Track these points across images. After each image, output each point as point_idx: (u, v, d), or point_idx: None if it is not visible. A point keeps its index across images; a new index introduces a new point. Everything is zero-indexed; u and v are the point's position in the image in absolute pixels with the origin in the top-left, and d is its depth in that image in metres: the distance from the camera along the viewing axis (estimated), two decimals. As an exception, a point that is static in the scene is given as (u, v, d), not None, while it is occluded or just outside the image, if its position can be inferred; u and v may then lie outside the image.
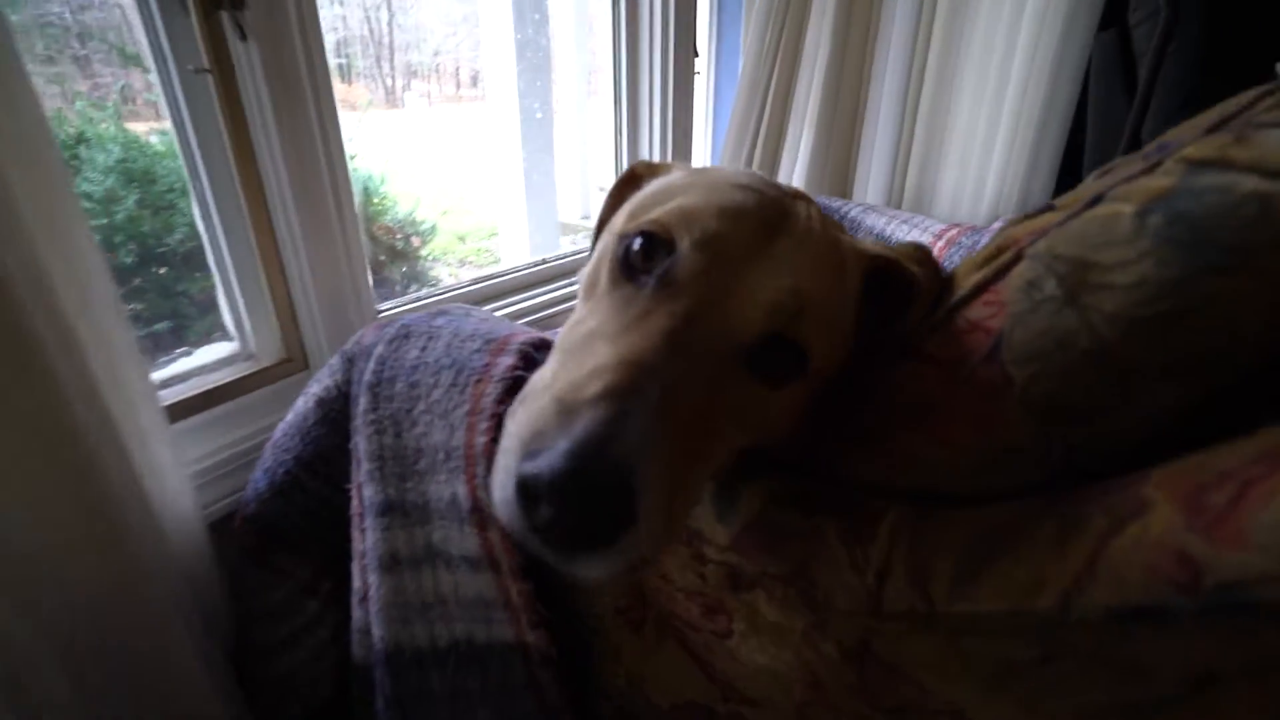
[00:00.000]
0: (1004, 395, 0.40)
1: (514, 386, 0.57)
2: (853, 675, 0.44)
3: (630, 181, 0.60)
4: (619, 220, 0.52)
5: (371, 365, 0.63)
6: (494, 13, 1.39)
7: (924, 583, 0.40)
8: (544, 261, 1.36)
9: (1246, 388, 0.37)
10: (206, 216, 0.85)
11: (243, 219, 0.86)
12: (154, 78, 0.78)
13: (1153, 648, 0.34)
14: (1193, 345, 0.35)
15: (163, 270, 1.26)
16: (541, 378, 0.45)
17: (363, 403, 0.63)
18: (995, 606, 0.38)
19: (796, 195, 0.52)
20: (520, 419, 0.39)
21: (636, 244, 0.46)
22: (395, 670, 0.65)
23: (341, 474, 0.72)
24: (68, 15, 1.00)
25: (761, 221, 0.46)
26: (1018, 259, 0.42)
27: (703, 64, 1.62)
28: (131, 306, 1.08)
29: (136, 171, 1.44)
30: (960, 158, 1.58)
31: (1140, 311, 0.36)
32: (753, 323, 0.43)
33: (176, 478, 0.71)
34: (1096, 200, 0.40)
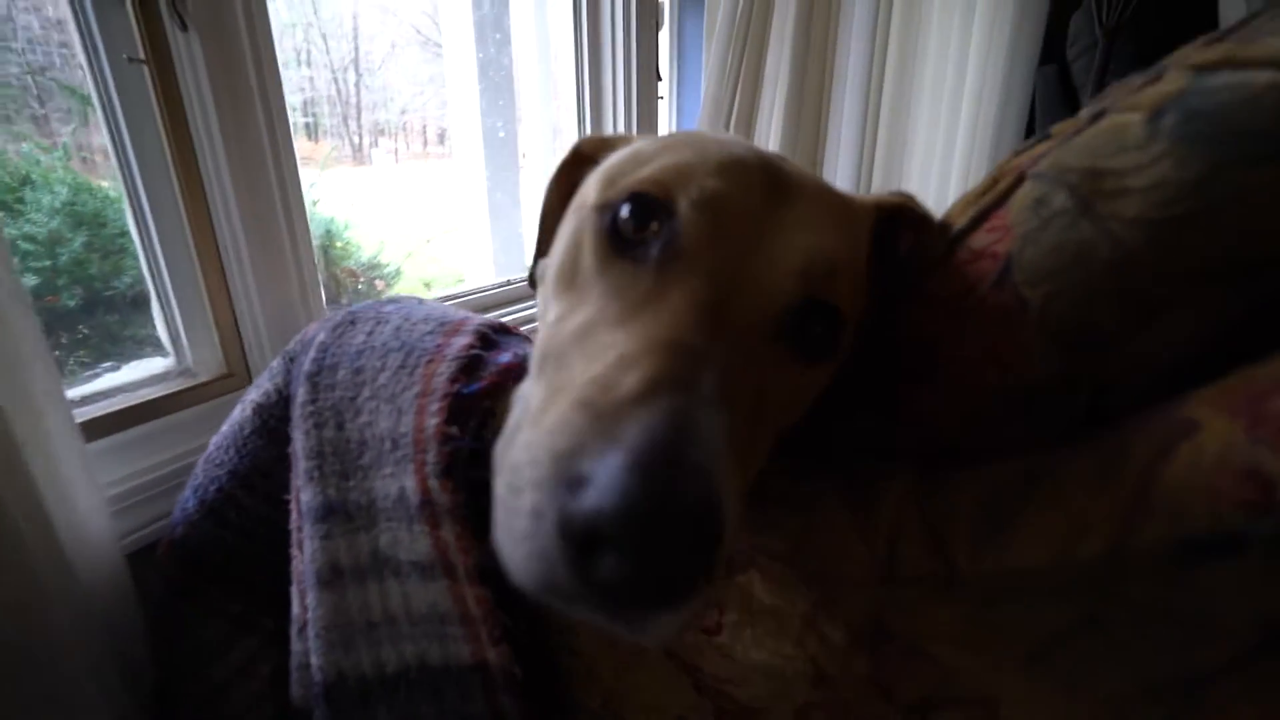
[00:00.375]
0: (1019, 321, 0.36)
1: (469, 366, 0.52)
2: (865, 662, 0.38)
3: (576, 164, 0.51)
4: (589, 195, 0.44)
5: (312, 354, 0.57)
6: (459, 66, 1.39)
7: (943, 542, 0.35)
8: (509, 283, 1.32)
9: None
10: (140, 219, 0.79)
11: (180, 221, 0.80)
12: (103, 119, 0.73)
13: (1219, 592, 0.29)
14: (1223, 247, 0.32)
15: (111, 316, 1.20)
16: (527, 402, 0.37)
17: (301, 394, 0.56)
18: (1029, 561, 0.32)
19: (778, 157, 0.47)
20: (537, 439, 0.29)
21: (625, 211, 0.39)
22: (336, 705, 0.56)
23: (283, 489, 0.65)
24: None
25: (764, 177, 0.40)
26: (1019, 182, 0.38)
27: (665, 88, 1.63)
28: (77, 354, 1.01)
29: (86, 214, 1.38)
30: (919, 180, 1.61)
31: (1164, 213, 0.32)
32: (784, 288, 0.37)
33: (89, 503, 0.63)
34: (1099, 115, 0.37)
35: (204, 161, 0.78)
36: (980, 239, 0.39)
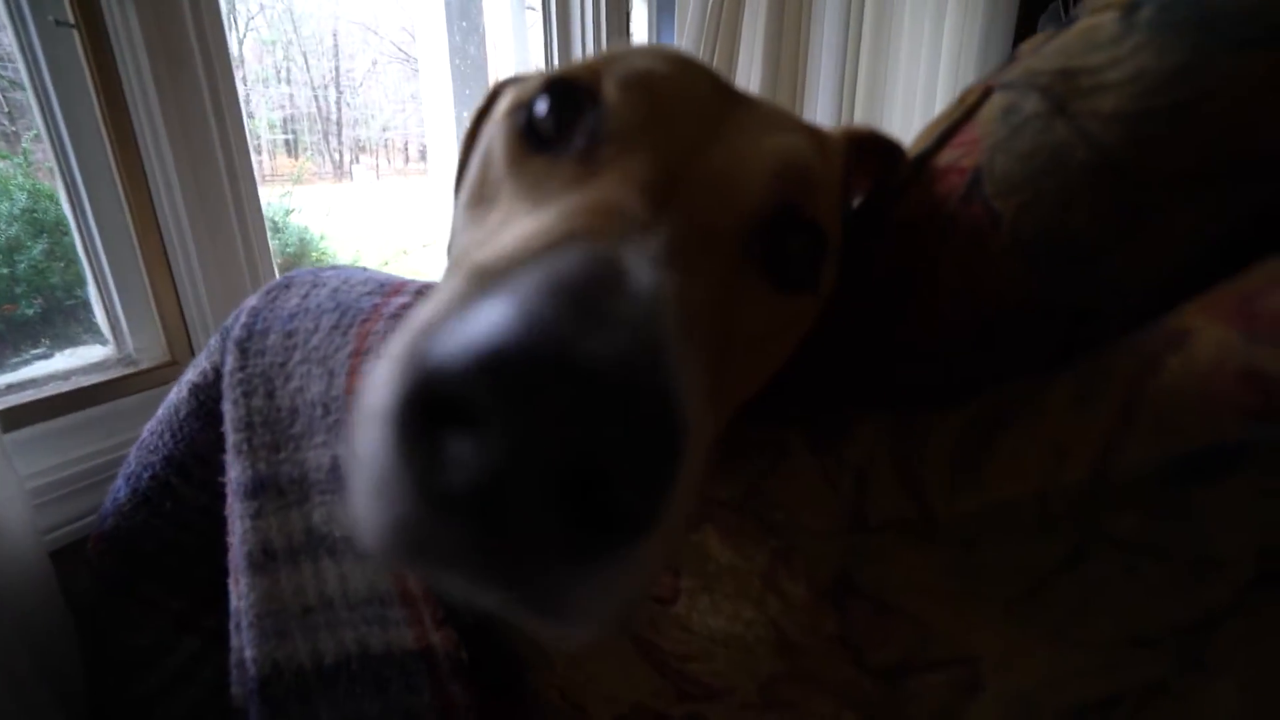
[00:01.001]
0: (991, 237, 0.32)
1: (410, 325, 0.48)
2: (832, 621, 0.34)
3: (495, 105, 0.43)
4: (500, 108, 0.36)
5: (243, 319, 0.53)
6: (436, 82, 1.37)
7: (916, 481, 0.31)
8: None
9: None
10: (74, 199, 0.75)
11: (118, 200, 0.76)
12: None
13: (1214, 518, 0.26)
14: (1210, 143, 0.29)
15: (72, 326, 1.16)
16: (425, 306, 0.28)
17: (230, 362, 0.52)
18: (1008, 493, 0.29)
19: None
20: (398, 339, 0.19)
21: (542, 106, 0.31)
22: (272, 701, 0.51)
23: (221, 474, 0.60)
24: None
25: (715, 79, 0.34)
26: (986, 95, 0.36)
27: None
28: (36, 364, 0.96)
29: (47, 222, 1.34)
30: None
31: (1144, 104, 0.29)
32: (754, 186, 0.30)
33: (6, 491, 0.58)
34: (1069, 23, 0.35)
35: (142, 135, 0.74)
36: (946, 156, 0.36)
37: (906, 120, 1.76)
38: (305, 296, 0.52)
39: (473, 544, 0.15)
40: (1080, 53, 0.32)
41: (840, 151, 0.39)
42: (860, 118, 1.73)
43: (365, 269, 0.60)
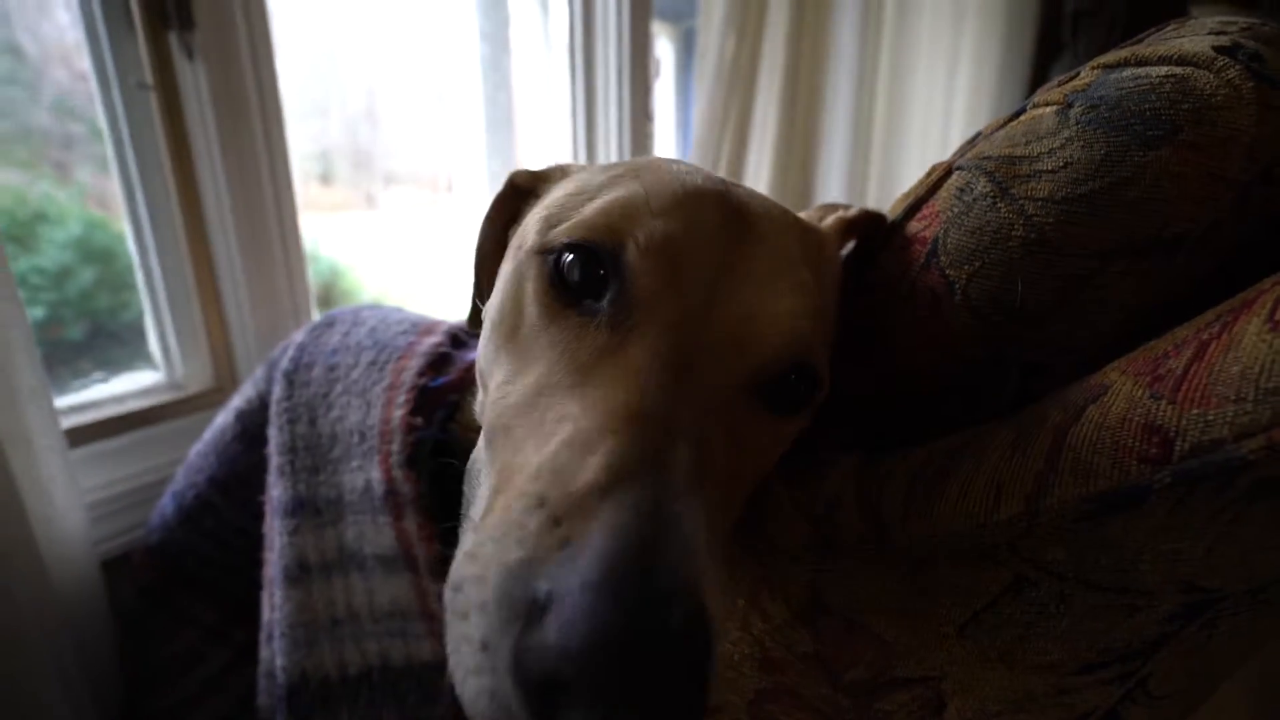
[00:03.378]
0: (946, 301, 0.37)
1: (438, 362, 0.53)
2: (808, 639, 0.38)
3: (511, 198, 0.47)
4: (528, 236, 0.39)
5: (290, 353, 0.59)
6: (466, 116, 1.47)
7: (874, 508, 0.35)
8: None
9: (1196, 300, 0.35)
10: (139, 237, 0.83)
11: (177, 240, 0.84)
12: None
13: (1131, 548, 0.30)
14: (1128, 225, 0.34)
15: (113, 348, 1.24)
16: (483, 475, 0.34)
17: (277, 391, 0.58)
18: (954, 524, 0.33)
19: (733, 183, 0.41)
20: (481, 547, 0.25)
21: (567, 259, 0.34)
22: (297, 708, 0.56)
23: (258, 497, 0.66)
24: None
25: (722, 210, 0.36)
26: (948, 174, 0.41)
27: (669, 133, 1.69)
28: (69, 366, 1.04)
29: (97, 250, 1.44)
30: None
31: (1071, 191, 0.34)
32: (765, 351, 0.34)
33: (67, 500, 0.64)
34: (1019, 112, 0.40)
35: (204, 184, 0.82)
36: (913, 226, 0.41)
37: (922, 168, 1.82)
38: (346, 334, 0.58)
39: None
40: (1023, 141, 0.37)
41: (836, 244, 0.44)
42: (876, 162, 1.78)
43: (400, 309, 0.66)
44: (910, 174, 1.81)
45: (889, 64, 1.78)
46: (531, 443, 0.29)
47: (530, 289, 0.36)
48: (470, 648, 0.23)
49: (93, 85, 0.76)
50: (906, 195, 0.45)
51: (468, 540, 0.26)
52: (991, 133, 0.40)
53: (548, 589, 0.21)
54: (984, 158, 0.38)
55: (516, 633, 0.21)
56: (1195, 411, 0.27)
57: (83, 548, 0.65)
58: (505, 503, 0.26)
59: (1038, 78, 1.96)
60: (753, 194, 0.41)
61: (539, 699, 0.20)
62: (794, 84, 1.58)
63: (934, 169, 0.43)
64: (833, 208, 0.47)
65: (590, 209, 0.36)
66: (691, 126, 1.77)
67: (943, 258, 0.38)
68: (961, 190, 0.38)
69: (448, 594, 0.25)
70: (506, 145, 1.41)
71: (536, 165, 0.47)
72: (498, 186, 0.46)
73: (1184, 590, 0.31)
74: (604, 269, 0.34)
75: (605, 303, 0.33)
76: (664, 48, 2.00)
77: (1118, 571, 0.31)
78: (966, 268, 0.37)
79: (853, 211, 0.46)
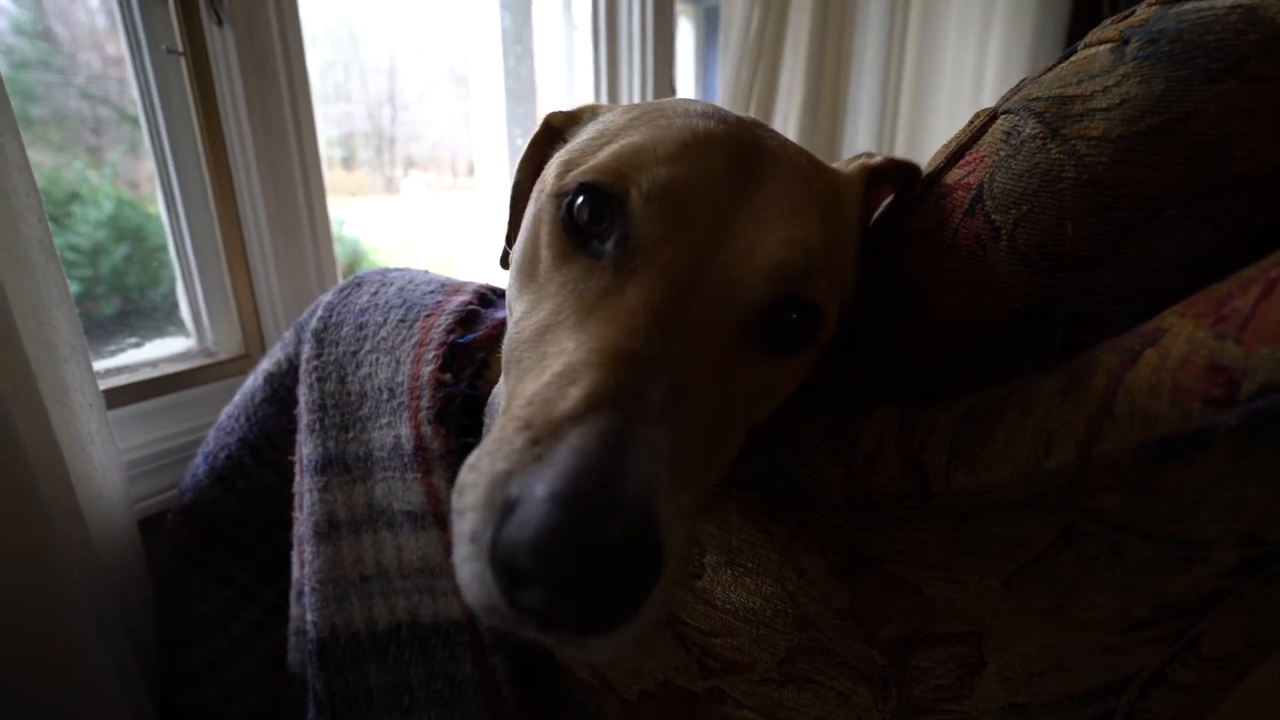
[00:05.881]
0: (991, 248, 0.36)
1: (467, 319, 0.53)
2: (844, 595, 0.37)
3: (548, 139, 0.48)
4: (548, 179, 0.41)
5: (319, 313, 0.59)
6: (488, 101, 1.47)
7: (917, 460, 0.35)
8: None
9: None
10: (170, 205, 0.83)
11: (208, 209, 0.84)
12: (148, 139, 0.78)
13: (1190, 495, 0.28)
14: (1188, 164, 0.32)
15: (144, 323, 1.27)
16: (498, 400, 0.37)
17: (306, 350, 0.58)
18: (1000, 474, 0.32)
19: (755, 123, 0.42)
20: (479, 460, 0.28)
21: (578, 203, 0.36)
22: (328, 664, 0.56)
23: (288, 458, 0.67)
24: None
25: (732, 155, 0.37)
26: (993, 119, 0.39)
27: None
28: (129, 351, 1.07)
29: (128, 229, 1.48)
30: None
31: (1127, 129, 0.32)
32: (754, 288, 0.34)
33: (106, 459, 0.65)
34: (1069, 54, 0.38)
35: (233, 151, 0.83)
36: (955, 174, 0.39)
37: (950, 130, 1.77)
38: (375, 293, 0.58)
39: (546, 624, 0.26)
40: (1075, 81, 0.35)
41: (858, 192, 0.44)
42: (902, 135, 1.75)
43: (427, 271, 0.66)
44: (936, 146, 1.77)
45: (917, 36, 1.73)
46: (532, 375, 0.32)
47: (545, 231, 0.38)
48: (463, 541, 0.27)
49: (124, 51, 0.76)
50: (948, 145, 0.43)
51: (472, 455, 0.29)
52: (1040, 75, 0.39)
53: (518, 493, 0.25)
54: (1033, 99, 0.37)
55: (494, 528, 0.25)
56: (1265, 350, 0.26)
57: (123, 507, 0.67)
58: (502, 424, 0.29)
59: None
60: (771, 136, 0.41)
61: (507, 581, 0.25)
62: (819, 56, 1.55)
63: (977, 115, 0.41)
64: (868, 155, 0.46)
65: (603, 154, 0.37)
66: (711, 99, 1.74)
67: (988, 203, 0.36)
68: (1008, 134, 0.37)
69: (454, 497, 0.29)
70: (528, 118, 1.40)
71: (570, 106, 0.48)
72: (513, 130, 0.47)
73: (1245, 543, 0.30)
74: (610, 213, 0.36)
75: (610, 246, 0.35)
76: (684, 28, 1.97)
77: (1174, 521, 0.30)
78: (1014, 212, 0.35)
79: (878, 159, 0.45)
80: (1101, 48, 0.35)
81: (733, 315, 0.34)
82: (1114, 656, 0.34)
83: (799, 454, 0.38)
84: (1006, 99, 0.40)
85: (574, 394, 0.28)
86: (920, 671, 0.38)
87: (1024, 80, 0.42)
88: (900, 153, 1.79)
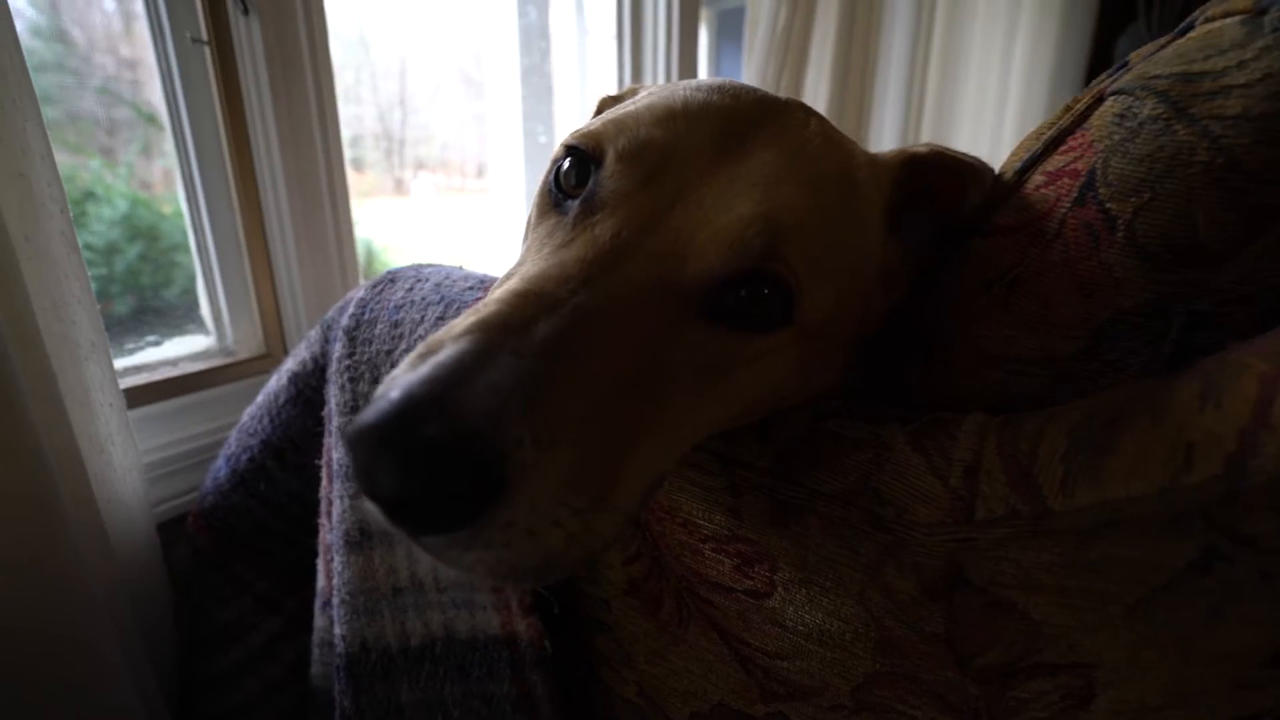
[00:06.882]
0: (1105, 240, 0.33)
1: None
2: (939, 619, 0.34)
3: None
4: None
5: (350, 310, 0.56)
6: (501, 104, 1.45)
7: (1028, 475, 0.31)
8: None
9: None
10: (192, 199, 0.81)
11: (230, 204, 0.82)
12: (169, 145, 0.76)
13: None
14: (1345, 145, 0.29)
15: (158, 323, 1.26)
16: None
17: (338, 350, 0.55)
18: (1130, 490, 0.29)
19: (799, 105, 0.41)
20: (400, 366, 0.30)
21: (565, 165, 0.37)
22: (357, 678, 0.53)
23: (313, 461, 0.64)
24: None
25: (726, 126, 0.36)
26: (1099, 101, 0.36)
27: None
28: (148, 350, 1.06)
29: (142, 228, 1.47)
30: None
31: (1270, 106, 0.29)
32: (702, 255, 0.33)
33: (125, 460, 0.62)
34: (1185, 30, 0.35)
35: (256, 144, 0.80)
36: (1056, 161, 0.36)
37: (975, 138, 1.74)
38: (410, 290, 0.55)
39: (389, 513, 0.27)
40: (1201, 56, 0.32)
41: (887, 174, 0.41)
42: (927, 134, 1.72)
43: (460, 267, 0.63)
44: (961, 145, 1.74)
45: (942, 34, 1.70)
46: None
47: (537, 195, 0.39)
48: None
49: (147, 41, 0.74)
50: (1039, 131, 0.40)
51: None
52: (1150, 54, 0.35)
53: (385, 390, 0.27)
54: (1150, 77, 0.33)
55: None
56: None
57: (142, 510, 0.64)
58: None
59: (1100, 49, 1.87)
60: (796, 115, 0.39)
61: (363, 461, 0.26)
62: (846, 55, 1.52)
63: (1076, 99, 0.38)
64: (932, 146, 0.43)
65: (598, 121, 0.38)
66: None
67: (1102, 190, 0.33)
68: (1122, 115, 0.34)
69: None
70: (549, 116, 1.38)
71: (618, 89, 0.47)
72: (534, 166, 0.46)
73: None
74: (589, 175, 0.36)
75: (576, 202, 0.36)
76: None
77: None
78: (1133, 200, 0.32)
79: (923, 148, 0.42)
80: (1228, 20, 0.32)
81: (675, 279, 0.33)
82: (1248, 693, 0.31)
83: (888, 465, 0.35)
84: (1112, 79, 0.36)
85: (467, 320, 0.29)
86: (1017, 704, 0.35)
87: (1121, 65, 0.39)
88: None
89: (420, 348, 0.29)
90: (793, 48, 1.45)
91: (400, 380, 0.27)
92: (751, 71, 1.46)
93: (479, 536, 0.27)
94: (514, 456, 0.26)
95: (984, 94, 1.75)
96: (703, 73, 1.80)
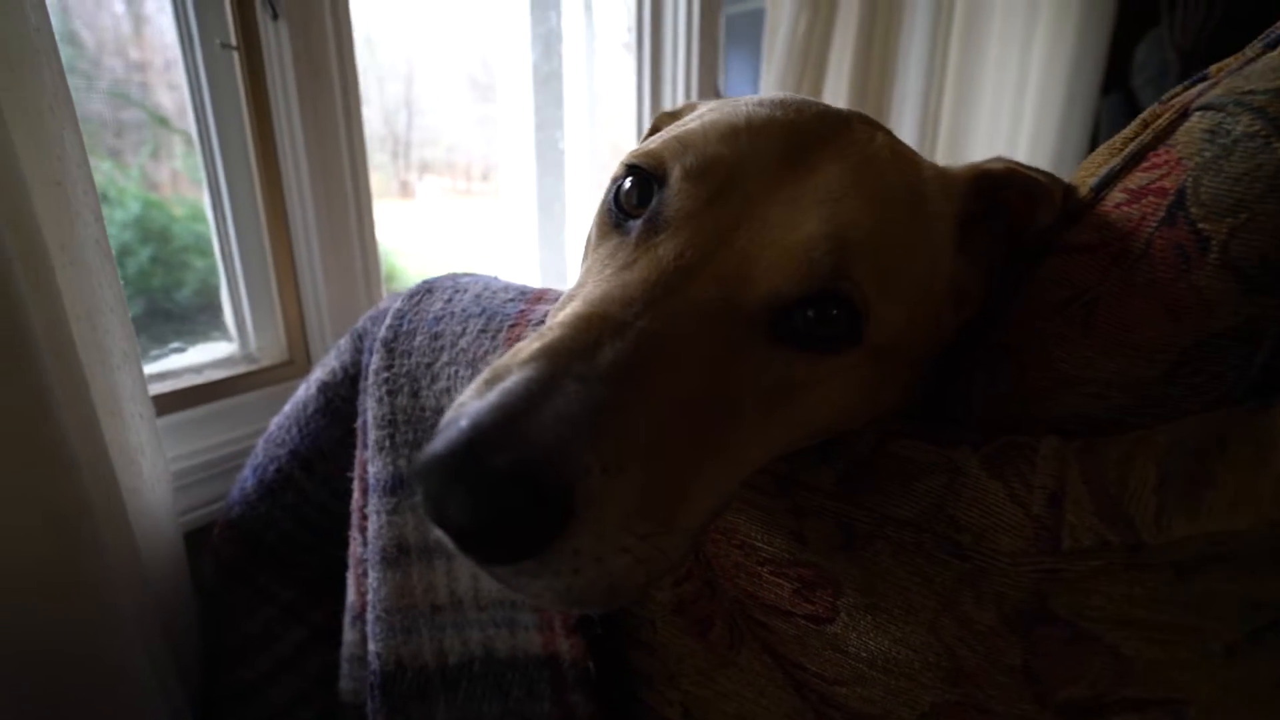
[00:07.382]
0: (1197, 261, 0.32)
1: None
2: (1017, 651, 0.33)
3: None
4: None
5: (388, 321, 0.55)
6: (514, 106, 1.44)
7: (1116, 503, 0.30)
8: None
9: None
10: (217, 204, 0.80)
11: (256, 209, 0.81)
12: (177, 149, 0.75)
13: None
14: None
15: (169, 325, 1.26)
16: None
17: (375, 361, 0.54)
18: (1235, 522, 0.27)
19: (861, 118, 0.40)
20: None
21: (626, 185, 0.37)
22: (392, 699, 0.52)
23: (343, 470, 0.63)
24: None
25: (791, 142, 0.35)
26: (1183, 116, 0.35)
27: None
28: (172, 357, 1.05)
29: (154, 230, 1.47)
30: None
31: (1384, 126, 0.28)
32: (767, 277, 0.32)
33: (155, 471, 0.61)
34: (1274, 44, 0.34)
35: (283, 149, 0.79)
36: (1138, 179, 0.35)
37: (991, 144, 1.74)
38: (449, 300, 0.54)
39: (460, 543, 0.27)
40: (1300, 73, 0.31)
41: (957, 188, 0.39)
42: (944, 141, 1.71)
43: (498, 277, 0.62)
44: (977, 154, 1.73)
45: (960, 43, 1.70)
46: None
47: (597, 216, 0.39)
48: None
49: (174, 46, 0.73)
50: (1112, 148, 0.39)
51: None
52: (1237, 68, 0.34)
53: (454, 418, 0.27)
54: (1244, 93, 0.32)
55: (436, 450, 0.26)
56: None
57: (169, 519, 0.63)
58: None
59: (1118, 57, 1.86)
60: (860, 128, 0.38)
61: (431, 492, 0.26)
62: (865, 61, 1.51)
63: (1154, 114, 0.37)
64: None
65: (658, 140, 0.38)
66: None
67: (1193, 210, 0.32)
68: (1213, 132, 0.33)
69: None
70: (558, 120, 1.37)
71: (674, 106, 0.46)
72: (546, 171, 0.45)
73: None
74: (652, 194, 0.35)
75: (639, 222, 0.35)
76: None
77: None
78: (1229, 220, 0.31)
79: (996, 163, 0.40)
80: (1327, 34, 0.31)
81: (740, 301, 0.32)
82: (1346, 735, 0.30)
83: (964, 491, 0.34)
84: (1194, 93, 0.35)
85: (532, 345, 0.29)
86: (1096, 739, 0.34)
87: (1200, 77, 0.38)
88: (940, 159, 1.76)
89: (486, 373, 0.29)
90: (813, 54, 1.44)
91: (469, 409, 0.26)
92: (771, 78, 1.46)
93: (548, 565, 0.26)
94: (582, 485, 0.26)
95: (1000, 101, 1.74)
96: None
